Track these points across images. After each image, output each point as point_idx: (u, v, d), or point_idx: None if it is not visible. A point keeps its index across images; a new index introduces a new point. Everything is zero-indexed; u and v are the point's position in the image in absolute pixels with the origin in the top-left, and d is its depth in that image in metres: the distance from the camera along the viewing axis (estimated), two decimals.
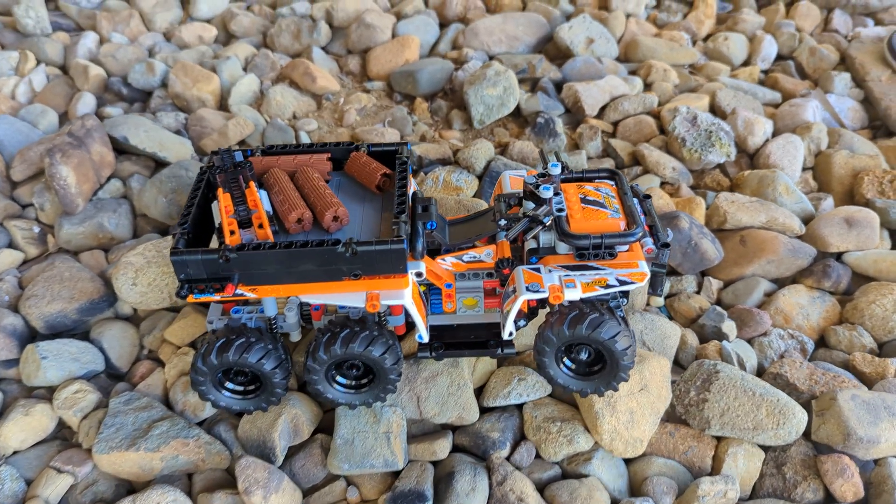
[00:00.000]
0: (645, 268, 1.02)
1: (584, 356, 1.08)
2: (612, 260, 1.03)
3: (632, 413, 1.10)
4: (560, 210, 1.06)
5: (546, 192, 1.03)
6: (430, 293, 1.15)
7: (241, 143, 1.66)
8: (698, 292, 1.41)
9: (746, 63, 1.99)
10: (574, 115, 1.78)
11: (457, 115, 1.75)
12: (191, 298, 1.00)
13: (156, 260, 1.31)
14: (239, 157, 1.09)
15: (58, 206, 1.48)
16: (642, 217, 1.09)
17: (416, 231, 1.04)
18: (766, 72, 1.96)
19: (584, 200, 1.07)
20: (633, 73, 1.92)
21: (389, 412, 1.12)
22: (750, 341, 1.32)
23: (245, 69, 1.88)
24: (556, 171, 1.07)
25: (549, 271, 1.03)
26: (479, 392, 1.19)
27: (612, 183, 1.13)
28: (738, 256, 1.44)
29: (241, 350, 1.03)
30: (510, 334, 1.07)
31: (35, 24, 1.99)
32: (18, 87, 1.81)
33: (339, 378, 1.09)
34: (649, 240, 1.07)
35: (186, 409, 1.18)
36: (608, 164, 1.65)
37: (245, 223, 1.02)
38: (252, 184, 1.02)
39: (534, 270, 1.04)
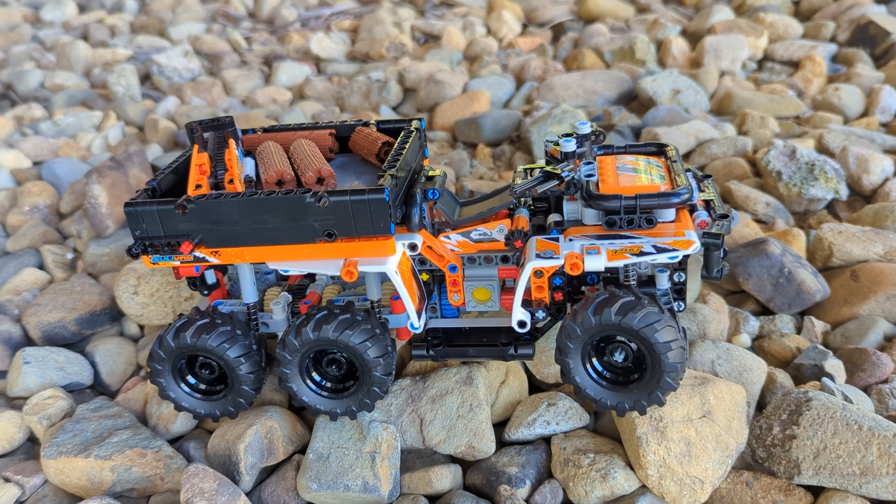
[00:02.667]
0: (694, 237, 0.80)
1: (619, 358, 0.84)
2: (650, 229, 0.81)
3: (688, 444, 0.84)
4: (590, 176, 0.86)
5: (567, 145, 0.84)
6: (442, 293, 0.96)
7: None
8: (798, 334, 1.13)
9: (863, 115, 1.75)
10: None
11: (520, 158, 1.60)
12: (147, 261, 0.87)
13: (162, 269, 1.20)
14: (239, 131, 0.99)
15: (93, 233, 1.43)
16: (695, 185, 0.87)
17: (414, 199, 0.87)
18: (885, 125, 1.70)
19: (620, 168, 0.88)
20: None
21: (380, 428, 0.91)
22: (866, 390, 1.01)
23: None
24: (585, 129, 0.89)
25: (570, 240, 0.83)
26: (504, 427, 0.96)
27: (660, 156, 0.93)
28: (849, 294, 1.15)
29: (201, 331, 0.87)
30: (520, 324, 0.85)
31: (125, 92, 2.06)
32: (95, 141, 1.84)
33: (316, 377, 0.90)
34: (704, 213, 0.85)
35: (160, 422, 1.02)
36: None
37: (220, 186, 0.89)
38: (231, 142, 0.91)
39: (551, 240, 0.83)
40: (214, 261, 0.86)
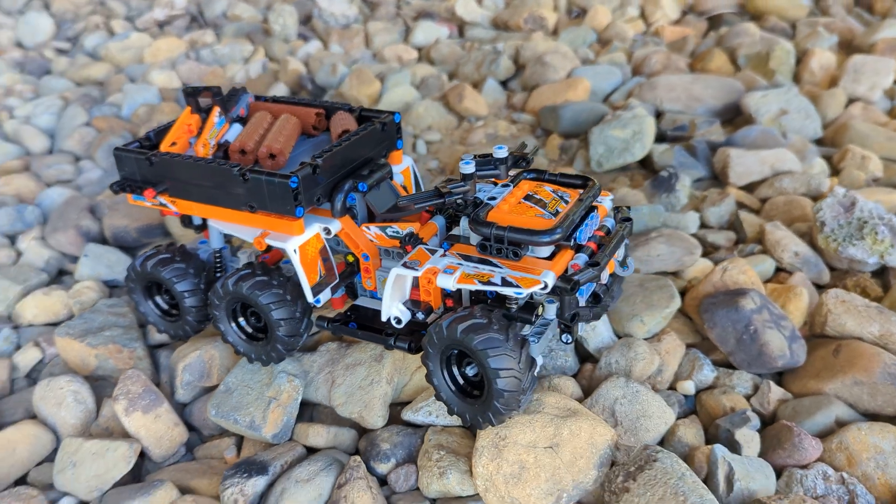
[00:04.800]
0: (549, 279, 0.82)
1: (470, 372, 0.89)
2: (516, 261, 0.85)
3: (522, 468, 0.88)
4: (492, 199, 0.90)
5: (466, 167, 0.89)
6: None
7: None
8: (749, 397, 1.08)
9: None
10: (720, 182, 1.52)
11: (582, 155, 1.60)
12: (129, 198, 1.05)
13: None
14: (245, 97, 1.13)
15: None
16: (583, 228, 0.88)
17: (340, 188, 0.96)
18: None
19: (527, 197, 0.91)
20: (825, 157, 1.58)
21: (284, 379, 1.04)
22: (780, 471, 0.97)
23: (418, 87, 1.95)
24: (501, 153, 0.92)
25: (444, 255, 0.88)
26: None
27: (579, 191, 0.94)
28: (823, 368, 1.08)
29: (159, 264, 1.05)
30: (396, 320, 0.93)
31: (281, 30, 2.29)
32: (238, 73, 2.09)
33: (242, 322, 1.04)
34: (584, 256, 0.86)
35: (151, 329, 1.22)
36: (726, 236, 1.37)
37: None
38: (216, 109, 1.05)
39: (429, 251, 0.89)
40: (174, 208, 1.02)
